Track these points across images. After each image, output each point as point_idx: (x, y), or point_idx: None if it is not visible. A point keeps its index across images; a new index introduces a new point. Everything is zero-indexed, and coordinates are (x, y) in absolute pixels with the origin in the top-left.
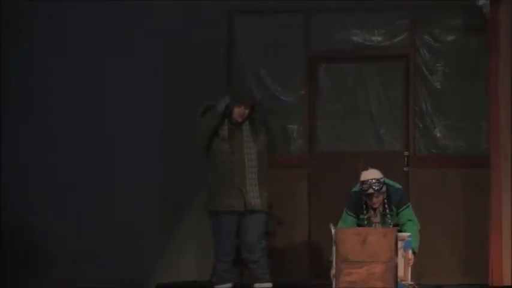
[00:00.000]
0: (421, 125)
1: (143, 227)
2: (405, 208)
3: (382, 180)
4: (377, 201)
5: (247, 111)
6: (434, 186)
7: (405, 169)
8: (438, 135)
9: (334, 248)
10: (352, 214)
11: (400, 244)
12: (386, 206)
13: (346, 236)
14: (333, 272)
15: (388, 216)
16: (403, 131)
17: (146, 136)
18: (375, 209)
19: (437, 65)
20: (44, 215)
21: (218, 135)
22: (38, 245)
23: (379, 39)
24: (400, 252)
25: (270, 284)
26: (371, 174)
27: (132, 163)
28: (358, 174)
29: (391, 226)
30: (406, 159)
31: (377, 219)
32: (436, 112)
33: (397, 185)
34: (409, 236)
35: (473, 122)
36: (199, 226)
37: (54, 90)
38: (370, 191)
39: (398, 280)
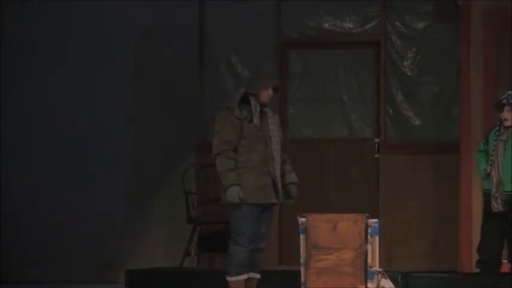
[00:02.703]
0: (391, 112)
1: (113, 214)
2: None
3: None
4: (508, 116)
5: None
6: (405, 172)
7: (376, 156)
8: (409, 122)
9: (301, 236)
10: (484, 142)
11: (369, 230)
12: None
13: (316, 222)
14: (302, 258)
15: None
16: (374, 118)
17: (115, 126)
18: (506, 128)
19: (408, 52)
20: (14, 203)
21: (249, 121)
22: (4, 233)
23: (350, 25)
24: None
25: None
26: None
27: (102, 151)
28: (329, 161)
29: None
30: (376, 145)
31: (504, 137)
32: (407, 99)
33: None
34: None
35: (444, 109)
36: (169, 213)
37: (24, 81)
38: (504, 101)
39: (368, 267)
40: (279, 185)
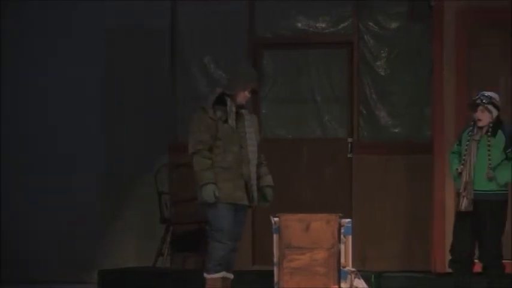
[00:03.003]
0: (365, 112)
1: (86, 214)
2: None
3: (494, 101)
4: (482, 116)
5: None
6: (378, 172)
7: (349, 156)
8: (382, 121)
9: (274, 236)
10: (458, 143)
11: (342, 230)
12: (490, 129)
13: (289, 222)
14: (275, 258)
15: (488, 139)
16: (347, 118)
17: (87, 127)
18: (480, 128)
19: (382, 51)
20: None
21: (224, 122)
22: None
23: (323, 25)
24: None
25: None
26: (489, 92)
27: (75, 151)
28: (302, 161)
29: (489, 148)
30: (350, 145)
31: (477, 137)
32: (380, 99)
33: None
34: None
35: (417, 109)
36: (142, 213)
37: None
38: (478, 101)
39: (341, 266)
40: (253, 188)
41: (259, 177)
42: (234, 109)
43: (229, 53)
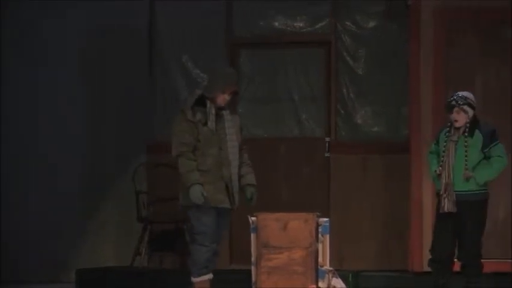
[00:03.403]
0: (342, 111)
1: (64, 213)
2: (496, 144)
3: (469, 101)
4: (458, 117)
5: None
6: (356, 172)
7: (326, 155)
8: (359, 121)
9: (252, 235)
10: (435, 143)
11: (319, 229)
12: (467, 129)
13: (267, 221)
14: (253, 257)
15: (466, 139)
16: (325, 117)
17: (67, 126)
18: (457, 129)
19: (359, 51)
20: None
21: (204, 124)
22: None
23: (300, 25)
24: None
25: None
26: (463, 92)
27: (54, 151)
28: (280, 160)
29: (467, 149)
30: (327, 145)
31: (454, 138)
32: (358, 98)
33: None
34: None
35: (394, 108)
36: (120, 212)
37: None
38: (453, 103)
39: (319, 266)
40: (235, 189)
41: (241, 178)
42: (213, 111)
43: (208, 52)
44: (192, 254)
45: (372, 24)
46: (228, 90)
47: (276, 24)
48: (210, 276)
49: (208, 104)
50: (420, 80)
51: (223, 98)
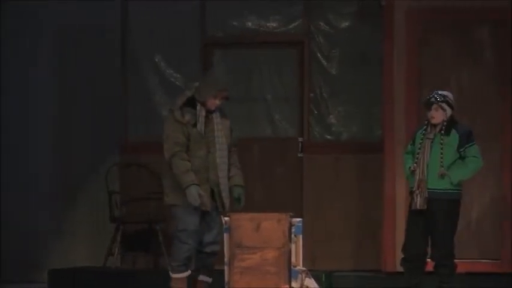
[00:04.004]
0: (315, 111)
1: (36, 213)
2: (471, 145)
3: (448, 100)
4: (435, 114)
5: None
6: (329, 172)
7: (299, 155)
8: (332, 121)
9: (225, 236)
10: (411, 143)
11: (292, 229)
12: (444, 128)
13: (240, 221)
14: (226, 257)
15: (442, 137)
16: (298, 117)
17: (39, 124)
18: (434, 127)
19: (332, 51)
20: None
21: (193, 126)
22: None
23: (274, 25)
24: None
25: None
26: (442, 91)
27: (25, 151)
28: (253, 160)
29: (442, 147)
30: (300, 145)
31: (431, 135)
32: (331, 98)
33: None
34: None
35: (368, 108)
36: (93, 212)
37: None
38: (432, 99)
39: (292, 266)
40: (224, 194)
41: (229, 179)
42: (203, 113)
43: (181, 52)
44: (172, 250)
45: (345, 24)
46: (220, 96)
47: (250, 24)
48: (188, 273)
49: (199, 106)
50: (393, 80)
51: (213, 103)
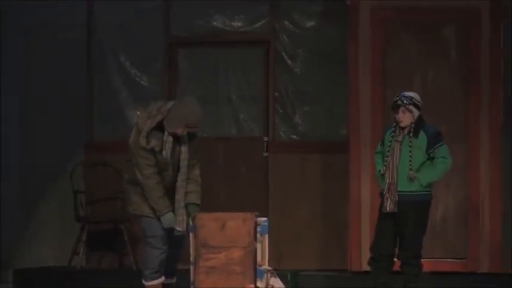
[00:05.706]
0: (280, 111)
1: (1, 213)
2: (440, 145)
3: (415, 101)
4: (403, 117)
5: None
6: (294, 171)
7: (265, 154)
8: (298, 120)
9: (190, 235)
10: (381, 143)
11: (258, 229)
12: (412, 130)
13: (205, 221)
14: (191, 257)
15: (410, 140)
16: (263, 117)
17: (4, 122)
18: (402, 129)
19: (298, 50)
20: None
21: (159, 151)
22: None
23: (239, 24)
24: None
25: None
26: (409, 92)
27: None
28: (218, 160)
29: (411, 149)
30: (265, 144)
31: (399, 138)
32: (296, 98)
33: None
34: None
35: (333, 108)
36: (58, 212)
37: None
38: (399, 102)
39: (257, 265)
40: (181, 217)
41: (186, 194)
42: (170, 139)
43: (146, 51)
44: (145, 257)
45: (310, 23)
46: (189, 127)
47: (215, 23)
48: (162, 279)
49: (166, 134)
50: (359, 80)
51: (181, 131)
